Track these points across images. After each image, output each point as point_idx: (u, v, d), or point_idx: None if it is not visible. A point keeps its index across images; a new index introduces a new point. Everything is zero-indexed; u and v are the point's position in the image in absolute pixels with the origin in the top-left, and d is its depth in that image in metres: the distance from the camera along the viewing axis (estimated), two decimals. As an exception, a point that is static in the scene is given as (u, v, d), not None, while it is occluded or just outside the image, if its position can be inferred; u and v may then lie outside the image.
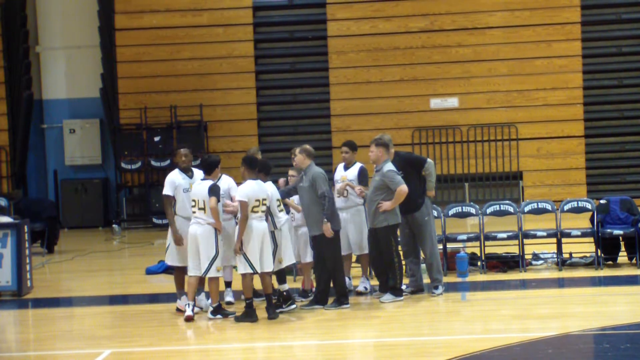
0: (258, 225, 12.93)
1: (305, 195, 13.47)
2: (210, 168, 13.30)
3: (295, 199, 14.10)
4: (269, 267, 13.03)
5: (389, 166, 13.73)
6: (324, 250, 13.47)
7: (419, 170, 14.14)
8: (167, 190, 13.64)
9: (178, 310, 13.63)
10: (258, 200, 12.94)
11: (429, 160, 14.28)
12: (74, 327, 13.81)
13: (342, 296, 13.56)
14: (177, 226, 13.54)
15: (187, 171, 13.72)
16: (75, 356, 11.81)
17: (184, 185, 13.60)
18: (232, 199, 13.38)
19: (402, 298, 13.89)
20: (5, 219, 16.56)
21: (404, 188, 13.58)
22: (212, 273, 13.07)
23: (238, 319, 12.96)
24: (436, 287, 14.22)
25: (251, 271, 12.87)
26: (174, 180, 13.66)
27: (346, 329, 12.69)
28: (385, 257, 13.81)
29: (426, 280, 14.48)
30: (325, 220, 13.27)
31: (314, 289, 14.03)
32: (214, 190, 13.05)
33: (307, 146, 13.64)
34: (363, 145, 16.28)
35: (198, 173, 13.71)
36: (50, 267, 19.35)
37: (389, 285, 13.90)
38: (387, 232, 13.67)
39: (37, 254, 19.74)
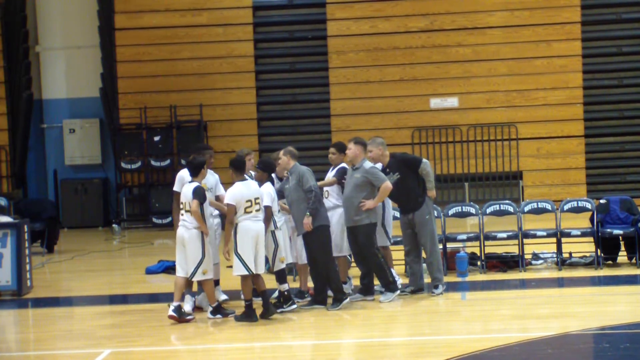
0: (252, 225, 12.91)
1: (293, 195, 13.47)
2: (196, 170, 13.25)
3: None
4: (262, 268, 13.04)
5: (369, 163, 13.80)
6: (314, 249, 13.47)
7: (415, 170, 14.15)
8: (175, 186, 13.70)
9: (197, 308, 13.65)
10: (249, 201, 12.91)
11: (424, 160, 14.28)
12: (73, 326, 13.81)
13: (339, 293, 13.54)
14: None
15: None
16: (75, 356, 11.81)
17: None
18: (217, 197, 13.46)
19: (398, 292, 13.89)
20: (5, 219, 16.56)
21: (388, 184, 13.63)
22: (198, 277, 13.05)
23: (238, 319, 12.96)
24: (436, 287, 14.22)
25: (246, 273, 12.86)
26: (183, 177, 13.68)
27: (345, 329, 12.69)
28: (369, 257, 13.78)
29: (427, 279, 14.49)
30: (308, 214, 13.26)
31: (310, 292, 14.07)
32: (197, 193, 12.99)
33: (291, 148, 13.68)
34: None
35: (212, 177, 13.74)
36: (50, 266, 19.36)
37: (383, 285, 13.91)
38: (369, 229, 13.71)
39: (37, 253, 19.75)
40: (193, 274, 13.01)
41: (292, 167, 13.54)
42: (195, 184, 13.11)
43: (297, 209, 13.45)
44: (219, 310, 13.22)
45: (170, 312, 12.96)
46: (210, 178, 13.74)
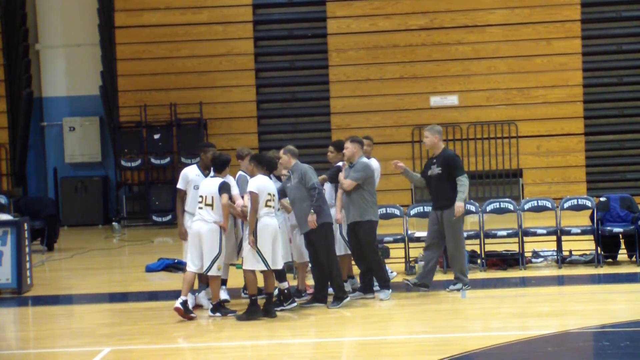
0: (270, 221, 12.93)
1: (295, 193, 13.45)
2: (222, 166, 13.28)
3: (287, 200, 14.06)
4: (280, 264, 13.04)
5: (364, 160, 13.83)
6: (316, 247, 13.46)
7: (452, 174, 14.11)
8: (178, 184, 13.69)
9: (197, 305, 13.64)
10: (270, 194, 12.97)
11: (465, 175, 14.12)
12: (73, 324, 13.80)
13: (340, 291, 13.54)
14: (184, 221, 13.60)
15: (206, 169, 13.70)
16: (75, 354, 11.81)
17: (196, 182, 13.58)
18: (231, 199, 13.41)
19: (390, 288, 13.90)
20: (5, 217, 16.56)
21: (348, 183, 13.65)
22: (213, 272, 13.06)
23: (241, 318, 12.91)
24: (455, 283, 14.25)
25: (264, 268, 12.87)
26: (187, 175, 13.67)
27: (345, 327, 12.70)
28: (368, 254, 13.77)
29: (438, 277, 14.48)
30: (312, 211, 13.25)
31: (308, 290, 14.06)
32: (225, 188, 13.05)
33: (291, 146, 13.68)
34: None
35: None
36: (50, 264, 19.36)
37: (380, 282, 13.92)
38: (370, 226, 13.76)
39: (37, 251, 19.74)
40: (209, 268, 13.01)
41: (293, 165, 13.54)
42: (220, 179, 13.13)
43: (300, 208, 13.44)
44: (219, 308, 13.22)
45: (177, 305, 12.95)
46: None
